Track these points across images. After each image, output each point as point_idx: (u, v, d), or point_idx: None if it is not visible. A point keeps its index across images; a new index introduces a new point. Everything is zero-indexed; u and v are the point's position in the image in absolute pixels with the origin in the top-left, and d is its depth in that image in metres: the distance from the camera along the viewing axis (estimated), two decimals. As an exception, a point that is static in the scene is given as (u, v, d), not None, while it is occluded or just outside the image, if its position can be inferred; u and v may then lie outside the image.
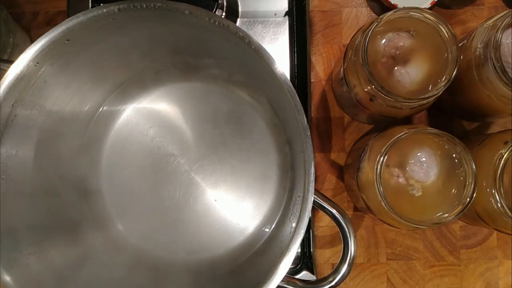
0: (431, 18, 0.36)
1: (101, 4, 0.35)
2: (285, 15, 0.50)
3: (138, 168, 0.47)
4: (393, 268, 0.50)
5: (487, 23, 0.37)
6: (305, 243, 0.49)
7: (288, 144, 0.45)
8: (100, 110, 0.46)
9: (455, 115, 0.49)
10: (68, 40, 0.36)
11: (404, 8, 0.36)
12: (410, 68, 0.38)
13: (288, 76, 0.43)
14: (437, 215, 0.37)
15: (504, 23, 0.34)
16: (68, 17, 0.35)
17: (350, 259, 0.36)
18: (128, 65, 0.44)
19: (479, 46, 0.37)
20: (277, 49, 0.49)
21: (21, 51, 0.35)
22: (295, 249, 0.34)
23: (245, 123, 0.46)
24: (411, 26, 0.38)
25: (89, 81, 0.43)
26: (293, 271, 0.48)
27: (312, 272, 0.48)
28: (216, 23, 0.35)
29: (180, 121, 0.47)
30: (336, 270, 0.35)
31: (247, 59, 0.37)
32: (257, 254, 0.43)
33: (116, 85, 0.46)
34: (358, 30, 0.39)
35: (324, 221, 0.50)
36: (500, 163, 0.36)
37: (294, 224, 0.35)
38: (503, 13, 0.35)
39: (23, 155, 0.39)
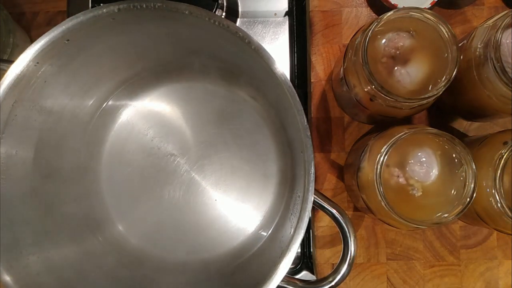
0: (431, 18, 0.36)
1: (101, 4, 0.35)
2: (285, 15, 0.50)
3: (138, 168, 0.47)
4: (393, 268, 0.50)
5: (487, 23, 0.37)
6: (305, 243, 0.49)
7: (288, 144, 0.45)
8: (100, 110, 0.46)
9: (455, 115, 0.49)
10: (68, 40, 0.36)
11: (404, 8, 0.36)
12: (410, 68, 0.38)
13: (288, 76, 0.43)
14: (437, 215, 0.37)
15: (504, 23, 0.34)
16: (68, 17, 0.35)
17: (350, 259, 0.36)
18: (128, 65, 0.44)
19: (479, 46, 0.37)
20: (277, 49, 0.49)
21: (21, 51, 0.35)
22: (295, 249, 0.34)
23: (245, 123, 0.46)
24: (411, 26, 0.38)
25: (89, 81, 0.43)
26: (293, 271, 0.48)
27: (312, 272, 0.48)
28: (216, 23, 0.35)
29: (180, 121, 0.47)
30: (336, 270, 0.35)
31: (247, 59, 0.37)
32: (257, 254, 0.43)
33: (116, 85, 0.46)
34: (358, 30, 0.39)
35: (324, 221, 0.50)
36: (500, 163, 0.36)
37: (294, 224, 0.35)
38: (503, 13, 0.35)
39: (23, 155, 0.39)
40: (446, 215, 0.36)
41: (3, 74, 0.35)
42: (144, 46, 0.42)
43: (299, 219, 0.34)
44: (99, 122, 0.46)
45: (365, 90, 0.38)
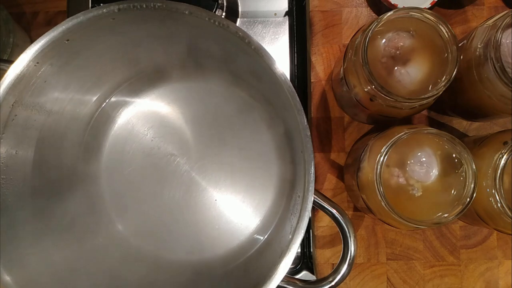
0: (431, 18, 0.36)
1: (101, 4, 0.35)
2: (285, 15, 0.50)
3: (138, 168, 0.47)
4: (393, 268, 0.50)
5: (487, 23, 0.37)
6: (305, 243, 0.49)
7: (288, 144, 0.45)
8: (100, 110, 0.46)
9: (455, 115, 0.49)
10: (68, 40, 0.36)
11: (404, 8, 0.36)
12: (410, 68, 0.38)
13: (288, 76, 0.43)
14: (437, 215, 0.37)
15: (504, 23, 0.34)
16: (68, 17, 0.35)
17: (350, 259, 0.36)
18: (128, 65, 0.44)
19: (479, 46, 0.37)
20: (277, 49, 0.49)
21: (21, 51, 0.35)
22: (295, 249, 0.34)
23: (245, 123, 0.46)
24: (411, 26, 0.38)
25: (89, 81, 0.43)
26: (293, 271, 0.48)
27: (312, 272, 0.48)
28: (216, 23, 0.35)
29: (180, 121, 0.47)
30: (336, 270, 0.35)
31: (247, 59, 0.37)
32: (257, 254, 0.43)
33: (116, 85, 0.46)
34: (358, 30, 0.39)
35: (324, 221, 0.50)
36: (500, 163, 0.36)
37: (294, 224, 0.35)
38: (503, 13, 0.35)
39: (23, 155, 0.39)
40: (446, 215, 0.36)
41: (3, 74, 0.35)
42: (144, 46, 0.42)
43: (299, 219, 0.34)
44: (99, 122, 0.46)
45: (365, 90, 0.38)
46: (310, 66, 0.50)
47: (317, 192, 0.35)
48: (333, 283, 0.35)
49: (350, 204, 0.50)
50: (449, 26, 0.36)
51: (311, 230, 0.49)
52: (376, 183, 0.37)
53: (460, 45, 0.38)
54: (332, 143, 0.51)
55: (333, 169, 0.51)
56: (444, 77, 0.36)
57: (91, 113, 0.46)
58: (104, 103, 0.46)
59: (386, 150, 0.37)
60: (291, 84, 0.34)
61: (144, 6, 0.35)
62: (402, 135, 0.37)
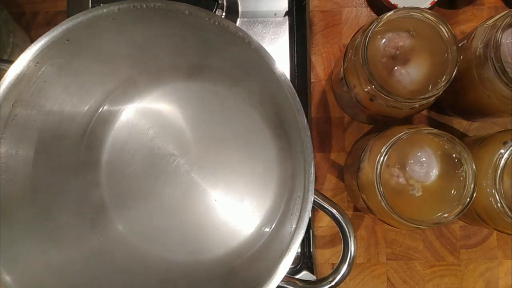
0: (431, 18, 0.36)
1: (101, 4, 0.35)
2: (285, 15, 0.50)
3: (138, 168, 0.47)
4: (393, 268, 0.50)
5: (487, 23, 0.37)
6: (305, 243, 0.49)
7: (288, 144, 0.45)
8: (100, 110, 0.46)
9: (455, 115, 0.49)
10: (68, 40, 0.36)
11: (404, 8, 0.36)
12: (410, 68, 0.38)
13: (288, 76, 0.43)
14: (437, 215, 0.37)
15: (504, 23, 0.34)
16: (68, 17, 0.35)
17: (350, 259, 0.36)
18: (128, 65, 0.44)
19: (479, 46, 0.37)
20: (277, 49, 0.49)
21: (21, 51, 0.35)
22: (295, 249, 0.34)
23: (245, 123, 0.46)
24: (411, 26, 0.38)
25: (89, 81, 0.43)
26: (293, 271, 0.48)
27: (312, 272, 0.48)
28: (216, 23, 0.35)
29: (180, 121, 0.47)
30: (336, 270, 0.35)
31: (247, 59, 0.37)
32: (257, 254, 0.43)
33: (116, 85, 0.46)
34: (358, 30, 0.39)
35: (324, 221, 0.50)
36: (500, 163, 0.36)
37: (294, 224, 0.35)
38: (503, 13, 0.35)
39: (23, 155, 0.39)
40: (446, 215, 0.36)
41: (3, 74, 0.35)
42: (144, 46, 0.42)
43: (299, 219, 0.34)
44: (99, 122, 0.46)
45: (365, 90, 0.38)
46: (310, 66, 0.50)
47: (317, 192, 0.35)
48: (333, 283, 0.35)
49: (350, 204, 0.50)
50: (449, 26, 0.36)
51: (311, 230, 0.49)
52: (376, 183, 0.37)
53: (460, 45, 0.38)
54: (332, 143, 0.51)
55: (333, 169, 0.51)
56: (444, 77, 0.36)
57: (91, 113, 0.46)
58: (105, 103, 0.46)
59: (386, 150, 0.37)
60: (291, 84, 0.34)
61: (144, 6, 0.35)
62: (402, 135, 0.37)
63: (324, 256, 0.50)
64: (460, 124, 0.50)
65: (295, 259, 0.38)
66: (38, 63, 0.36)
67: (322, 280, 0.36)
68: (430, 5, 0.47)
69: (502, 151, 0.36)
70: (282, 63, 0.49)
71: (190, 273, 0.45)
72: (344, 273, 0.35)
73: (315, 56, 0.51)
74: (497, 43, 0.34)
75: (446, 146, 0.38)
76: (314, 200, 0.35)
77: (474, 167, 0.36)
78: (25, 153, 0.39)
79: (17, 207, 0.38)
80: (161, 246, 0.46)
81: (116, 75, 0.45)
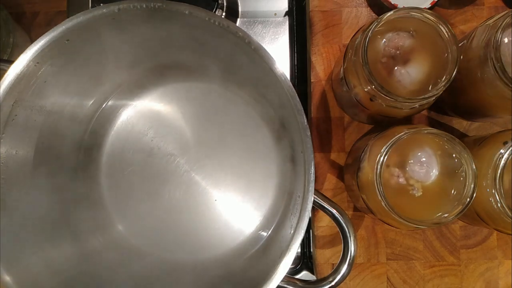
0: (431, 18, 0.36)
1: (101, 4, 0.35)
2: (285, 15, 0.50)
3: (138, 168, 0.47)
4: (393, 268, 0.50)
5: (487, 23, 0.37)
6: (305, 243, 0.49)
7: (288, 144, 0.45)
8: (100, 110, 0.46)
9: (455, 115, 0.49)
10: (68, 40, 0.36)
11: (404, 8, 0.36)
12: (410, 68, 0.38)
13: (288, 76, 0.43)
14: (437, 215, 0.37)
15: (504, 23, 0.34)
16: (68, 17, 0.35)
17: (350, 259, 0.36)
18: (128, 65, 0.44)
19: (479, 46, 0.37)
20: (277, 49, 0.49)
21: (21, 51, 0.35)
22: (295, 249, 0.34)
23: (245, 123, 0.46)
24: (411, 26, 0.38)
25: (89, 81, 0.43)
26: (293, 271, 0.48)
27: (312, 272, 0.48)
28: (216, 23, 0.35)
29: (180, 121, 0.47)
30: (336, 270, 0.35)
31: (247, 59, 0.37)
32: (257, 254, 0.43)
33: (116, 85, 0.46)
34: (358, 30, 0.39)
35: (324, 221, 0.50)
36: (500, 163, 0.36)
37: (294, 224, 0.35)
38: (503, 13, 0.35)
39: (23, 155, 0.39)
40: (446, 215, 0.36)
41: (3, 74, 0.35)
42: (144, 46, 0.42)
43: (299, 219, 0.34)
44: (99, 122, 0.46)
45: (365, 90, 0.38)
46: (310, 66, 0.50)
47: (317, 192, 0.35)
48: (333, 283, 0.35)
49: (350, 204, 0.50)
50: (449, 26, 0.36)
51: (311, 230, 0.49)
52: (376, 183, 0.37)
53: (460, 45, 0.38)
54: (332, 143, 0.51)
55: (333, 169, 0.51)
56: (444, 77, 0.36)
57: (91, 113, 0.46)
58: (104, 103, 0.46)
59: (386, 150, 0.37)
60: (291, 84, 0.34)
61: (144, 6, 0.35)
62: (402, 135, 0.37)
63: (324, 256, 0.50)
64: (460, 124, 0.50)
65: (295, 259, 0.38)
66: (38, 63, 0.36)
67: (322, 280, 0.36)
68: (430, 5, 0.47)
69: (502, 151, 0.36)
70: (282, 63, 0.49)
71: (189, 273, 0.45)
72: (344, 273, 0.35)
73: (315, 56, 0.51)
74: (497, 43, 0.34)
75: (446, 146, 0.38)
76: (314, 200, 0.35)
77: (474, 167, 0.36)
78: (25, 153, 0.39)
79: (17, 207, 0.38)
80: (161, 246, 0.46)
81: (116, 75, 0.45)
